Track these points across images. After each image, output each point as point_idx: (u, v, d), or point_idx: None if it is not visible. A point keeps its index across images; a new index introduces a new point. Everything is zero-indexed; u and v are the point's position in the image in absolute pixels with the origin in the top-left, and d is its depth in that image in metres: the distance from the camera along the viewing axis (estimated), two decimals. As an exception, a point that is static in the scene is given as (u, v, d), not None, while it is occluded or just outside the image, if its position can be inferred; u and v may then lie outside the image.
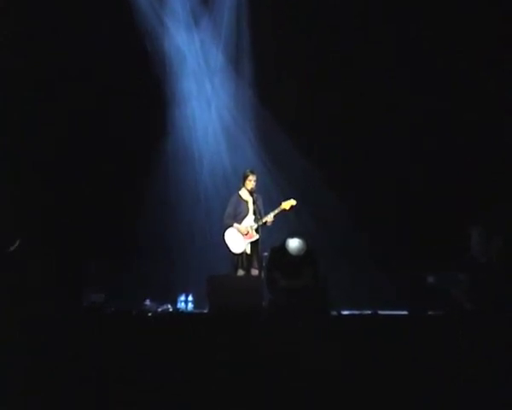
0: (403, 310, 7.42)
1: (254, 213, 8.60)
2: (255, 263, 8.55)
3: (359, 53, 10.08)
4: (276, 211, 8.56)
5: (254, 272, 8.53)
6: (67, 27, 9.79)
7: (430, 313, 6.94)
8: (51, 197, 9.69)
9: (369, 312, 7.21)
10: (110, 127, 10.09)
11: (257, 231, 8.53)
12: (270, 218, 8.51)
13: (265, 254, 8.50)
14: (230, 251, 8.61)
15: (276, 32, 10.26)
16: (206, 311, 7.89)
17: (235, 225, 8.60)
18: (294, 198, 8.70)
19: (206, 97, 10.79)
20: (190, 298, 9.30)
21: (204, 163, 10.70)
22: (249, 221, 8.63)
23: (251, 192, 8.63)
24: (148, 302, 8.94)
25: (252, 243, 8.57)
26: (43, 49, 9.65)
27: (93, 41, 9.81)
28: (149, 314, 7.65)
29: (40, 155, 9.71)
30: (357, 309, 7.82)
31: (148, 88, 10.27)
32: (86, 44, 9.79)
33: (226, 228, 8.65)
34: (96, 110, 10.03)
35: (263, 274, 8.33)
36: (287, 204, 8.62)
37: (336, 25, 10.10)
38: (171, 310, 8.98)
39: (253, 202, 8.61)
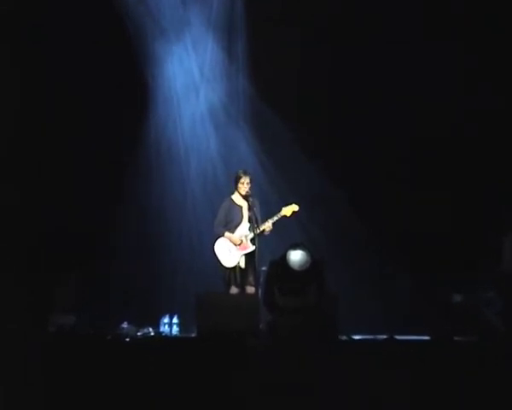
0: (424, 335, 7.37)
1: (250, 221, 8.52)
2: (251, 279, 8.47)
3: (365, 37, 10.13)
4: (276, 218, 8.49)
5: (250, 289, 8.46)
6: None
7: (457, 338, 6.88)
8: (15, 200, 9.66)
9: (385, 336, 7.14)
10: (84, 119, 10.12)
11: (253, 241, 8.45)
12: (268, 226, 8.44)
13: (263, 268, 8.47)
14: (222, 265, 8.52)
15: (275, 14, 10.25)
16: (193, 335, 7.87)
17: (227, 234, 8.52)
18: (297, 203, 8.64)
19: (194, 85, 10.76)
20: (175, 320, 9.24)
21: (191, 162, 10.67)
22: (243, 230, 8.55)
23: (245, 197, 8.55)
24: (125, 325, 8.88)
25: (246, 255, 8.48)
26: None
27: (70, 22, 9.94)
28: (127, 339, 7.58)
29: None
30: (371, 333, 7.79)
31: (126, 76, 10.27)
32: (62, 24, 9.92)
33: (217, 238, 8.56)
34: (67, 105, 10.08)
35: (260, 292, 8.28)
36: (288, 210, 8.57)
37: (339, 9, 10.12)
38: (152, 334, 8.92)
39: (249, 208, 8.54)
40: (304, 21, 10.20)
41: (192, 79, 10.78)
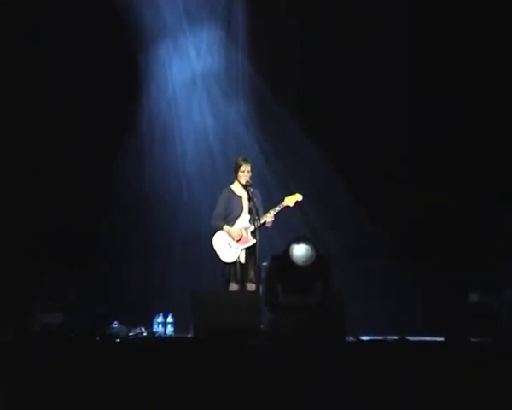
0: (438, 336, 7.36)
1: (250, 213, 8.49)
2: (251, 275, 8.42)
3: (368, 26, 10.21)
4: (278, 208, 8.46)
5: (250, 286, 8.41)
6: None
7: (473, 339, 6.87)
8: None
9: (395, 337, 7.15)
10: (73, 105, 10.17)
11: (253, 234, 8.40)
12: (269, 217, 8.39)
13: (264, 263, 8.48)
14: (220, 260, 8.48)
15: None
16: (189, 335, 7.84)
17: (226, 227, 8.49)
18: (300, 192, 8.62)
19: (190, 67, 10.70)
20: (170, 319, 9.22)
21: (187, 149, 10.64)
22: (244, 222, 8.52)
23: (246, 186, 8.52)
24: (116, 325, 8.82)
25: (247, 249, 8.44)
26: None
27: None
28: (118, 340, 7.57)
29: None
30: (380, 334, 7.77)
31: (117, 56, 10.29)
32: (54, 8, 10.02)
33: (215, 231, 8.52)
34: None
35: (261, 289, 8.24)
36: (291, 199, 8.54)
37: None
38: (145, 334, 8.88)
39: (249, 199, 8.49)
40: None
41: (188, 60, 10.76)
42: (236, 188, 8.64)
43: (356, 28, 10.13)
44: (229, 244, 8.45)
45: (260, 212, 8.41)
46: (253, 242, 8.41)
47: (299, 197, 8.57)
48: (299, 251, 7.78)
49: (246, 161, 8.60)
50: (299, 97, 10.37)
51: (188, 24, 10.69)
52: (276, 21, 10.21)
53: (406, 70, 10.06)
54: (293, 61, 10.25)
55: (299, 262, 7.76)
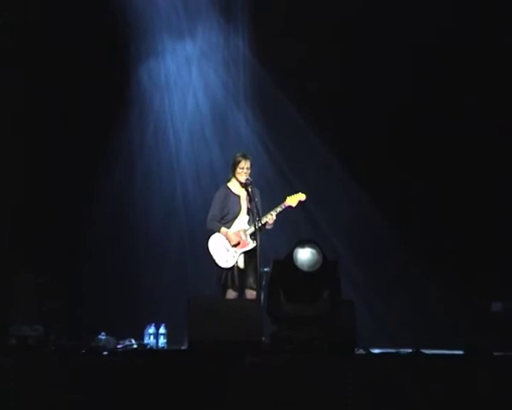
0: (457, 349, 7.30)
1: (249, 213, 8.44)
2: (251, 281, 8.38)
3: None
4: (279, 209, 8.41)
5: (250, 293, 8.38)
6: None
7: (496, 353, 6.80)
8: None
9: (410, 350, 7.12)
10: (65, 100, 10.20)
11: (253, 237, 8.35)
12: (270, 218, 8.33)
13: (266, 269, 8.46)
14: (217, 265, 8.42)
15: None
16: (184, 347, 7.87)
17: (223, 229, 8.44)
18: (304, 192, 8.55)
19: (185, 56, 10.66)
20: (162, 330, 9.27)
21: (182, 146, 10.62)
22: (242, 224, 8.49)
23: (245, 185, 8.46)
24: (103, 336, 8.83)
25: (246, 253, 8.40)
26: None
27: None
28: (105, 353, 7.52)
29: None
30: (393, 347, 7.78)
31: (106, 44, 10.30)
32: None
33: (211, 234, 8.47)
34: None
35: (262, 297, 8.19)
36: (293, 199, 8.49)
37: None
38: (135, 347, 8.89)
39: (248, 198, 8.44)
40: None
41: (183, 50, 10.72)
42: (234, 186, 8.57)
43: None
44: (227, 248, 8.39)
45: (260, 212, 8.33)
46: (252, 245, 8.36)
47: (302, 197, 8.52)
48: (304, 255, 7.66)
49: (245, 156, 8.52)
50: (306, 90, 10.35)
51: (183, 9, 10.65)
52: (277, 11, 10.18)
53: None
54: (293, 51, 10.21)
55: (304, 268, 7.63)
